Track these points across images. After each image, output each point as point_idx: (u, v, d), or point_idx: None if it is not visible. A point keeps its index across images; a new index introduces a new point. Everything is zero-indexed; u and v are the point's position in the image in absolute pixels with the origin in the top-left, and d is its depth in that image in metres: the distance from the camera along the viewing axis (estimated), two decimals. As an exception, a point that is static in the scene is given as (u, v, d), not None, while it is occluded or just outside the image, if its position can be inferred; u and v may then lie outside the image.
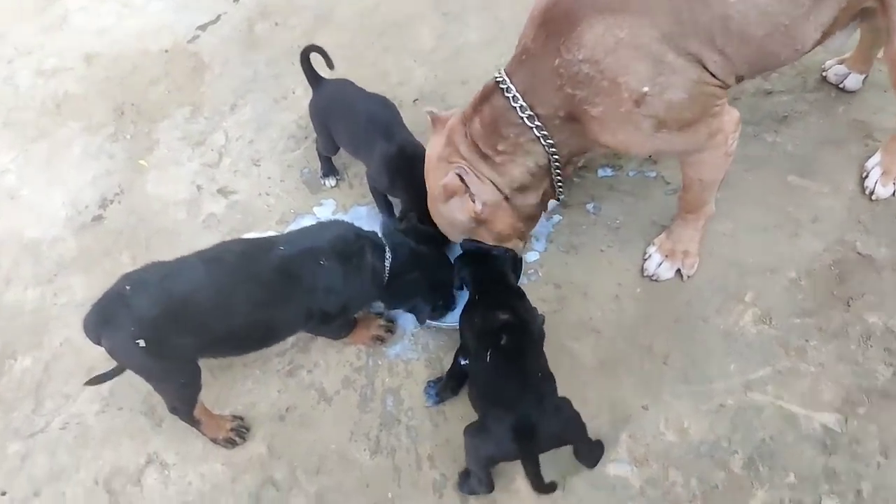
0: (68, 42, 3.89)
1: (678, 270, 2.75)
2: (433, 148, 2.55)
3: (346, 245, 2.47)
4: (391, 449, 2.54)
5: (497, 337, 2.34)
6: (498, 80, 2.34)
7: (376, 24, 3.71)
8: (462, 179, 2.40)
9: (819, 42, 2.35)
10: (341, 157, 3.13)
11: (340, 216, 3.09)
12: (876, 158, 2.85)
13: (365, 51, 3.62)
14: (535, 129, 2.33)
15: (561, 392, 2.36)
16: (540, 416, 2.19)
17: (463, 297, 2.61)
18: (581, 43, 2.15)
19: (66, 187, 3.36)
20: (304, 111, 3.10)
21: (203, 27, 3.86)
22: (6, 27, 3.97)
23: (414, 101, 3.38)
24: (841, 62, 3.13)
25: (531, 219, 2.64)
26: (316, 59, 3.00)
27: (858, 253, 2.72)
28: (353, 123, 2.88)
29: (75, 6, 4.03)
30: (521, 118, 2.31)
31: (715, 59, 2.19)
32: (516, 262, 2.63)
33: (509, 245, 2.62)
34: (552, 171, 2.46)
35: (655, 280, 2.76)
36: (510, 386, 2.25)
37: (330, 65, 2.98)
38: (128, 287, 2.28)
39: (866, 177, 2.85)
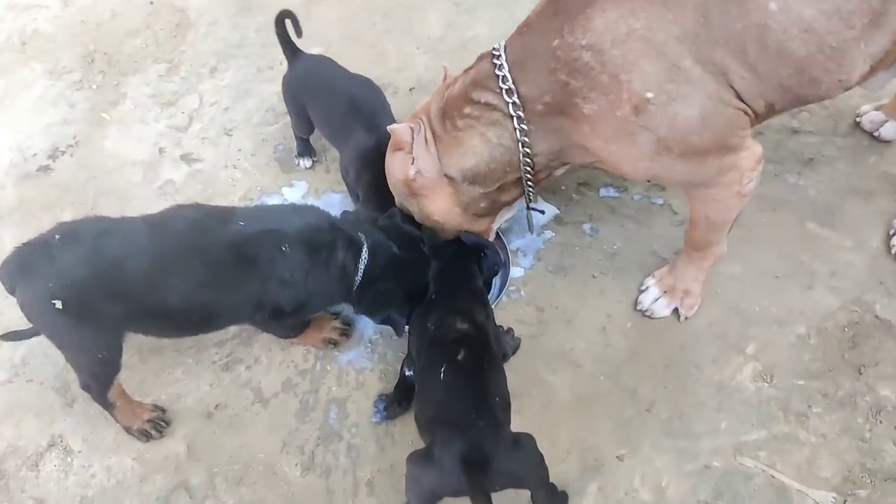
0: (48, -23, 3.59)
1: (675, 309, 2.46)
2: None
3: (317, 235, 2.14)
4: (326, 468, 2.23)
5: (454, 350, 2.03)
6: (494, 47, 2.08)
7: (382, 3, 3.42)
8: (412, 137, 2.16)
9: (865, 77, 2.06)
10: (321, 137, 2.83)
11: (311, 201, 2.79)
12: (906, 216, 2.58)
13: (366, 30, 3.33)
14: (510, 106, 2.03)
15: (529, 428, 2.06)
16: (495, 448, 1.88)
17: None
18: (588, 27, 1.87)
19: (16, 130, 3.07)
20: (288, 84, 2.81)
21: (196, -18, 3.57)
22: (-17, -45, 3.67)
23: (410, 89, 3.10)
24: (878, 108, 2.87)
25: (480, 217, 2.32)
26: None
27: (877, 316, 2.44)
28: (332, 106, 2.58)
29: (60, -58, 3.74)
30: (500, 88, 2.03)
31: (743, 74, 1.89)
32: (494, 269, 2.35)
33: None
34: (520, 165, 2.14)
35: (649, 316, 2.47)
36: (464, 408, 1.94)
37: (298, 32, 2.67)
38: (57, 237, 1.98)
39: (893, 234, 2.58)
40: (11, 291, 2.02)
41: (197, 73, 3.23)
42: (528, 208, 2.40)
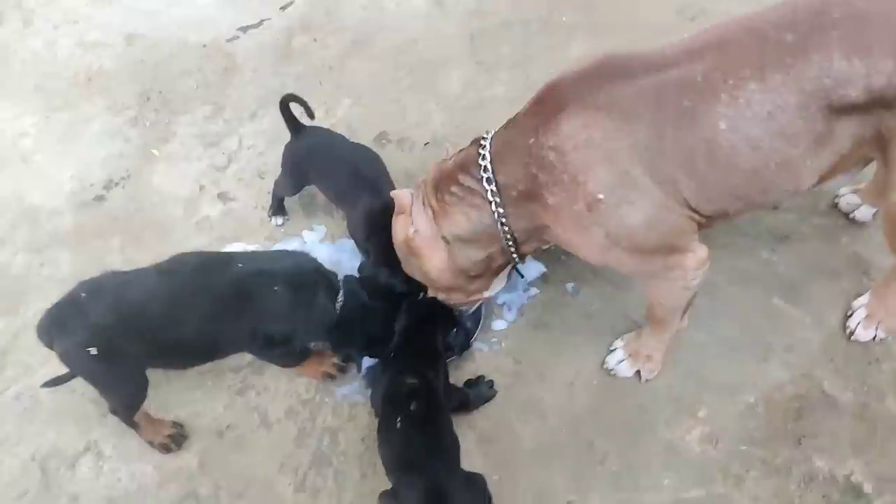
0: (114, 18, 3.97)
1: (638, 371, 2.73)
2: None
3: (301, 277, 2.51)
4: (315, 489, 2.57)
5: (407, 402, 2.36)
6: (483, 135, 2.36)
7: (409, 60, 3.73)
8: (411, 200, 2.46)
9: (816, 185, 2.29)
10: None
11: (327, 245, 3.12)
12: (864, 299, 2.78)
13: (391, 85, 3.64)
14: (489, 193, 2.31)
15: (493, 470, 2.41)
16: (451, 485, 2.21)
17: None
18: (556, 130, 2.13)
19: (78, 161, 3.45)
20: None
21: (244, 29, 3.91)
22: (59, -8, 4.09)
23: (425, 144, 3.40)
24: (855, 192, 3.06)
25: (474, 278, 2.58)
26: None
27: (823, 391, 2.66)
28: (338, 174, 2.88)
29: (129, -17, 4.13)
30: (481, 176, 2.30)
31: (690, 185, 2.13)
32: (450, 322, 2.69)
33: (445, 296, 2.64)
34: (503, 240, 2.41)
35: (613, 375, 2.74)
36: (421, 452, 2.27)
37: (310, 114, 2.94)
38: (83, 294, 2.35)
39: (850, 315, 2.78)
40: (49, 346, 2.38)
41: (239, 117, 3.58)
42: (514, 268, 2.69)
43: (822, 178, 2.27)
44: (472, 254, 2.49)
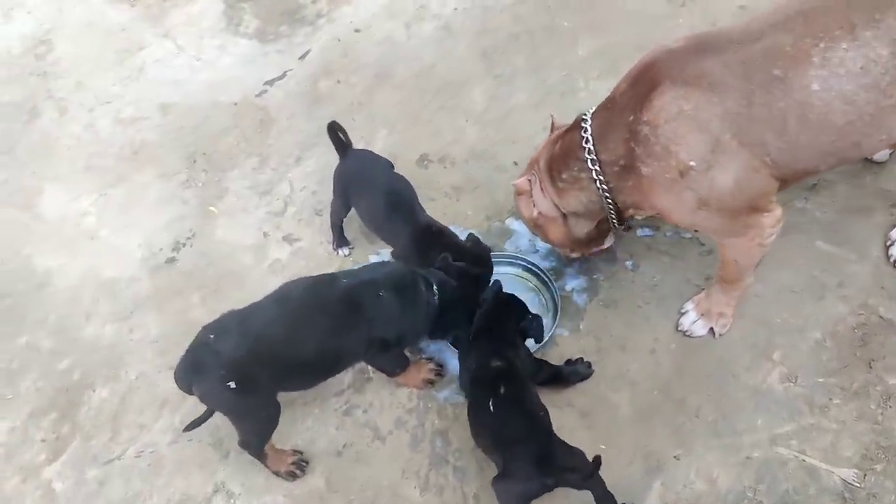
0: (145, 92, 4.18)
1: (711, 328, 2.94)
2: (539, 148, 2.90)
3: (401, 279, 2.75)
4: (439, 487, 2.75)
5: (495, 385, 2.56)
6: (583, 117, 2.61)
7: (432, 85, 3.97)
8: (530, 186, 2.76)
9: None
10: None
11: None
12: (900, 228, 3.03)
13: (421, 109, 3.87)
14: (593, 172, 2.58)
15: (597, 440, 2.63)
16: (553, 446, 2.42)
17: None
18: (650, 106, 2.37)
19: (142, 230, 3.63)
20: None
21: (270, 82, 4.13)
22: (88, 78, 4.27)
23: (465, 161, 3.63)
24: (869, 135, 3.30)
25: (588, 242, 2.91)
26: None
27: (881, 317, 2.90)
28: (374, 202, 3.14)
29: (151, 59, 4.33)
30: (586, 158, 2.57)
31: (780, 146, 2.32)
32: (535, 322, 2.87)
33: (566, 251, 2.99)
34: (606, 211, 2.70)
35: (689, 336, 2.95)
36: (518, 427, 2.47)
37: (348, 141, 3.23)
38: (211, 336, 2.54)
39: (890, 245, 3.02)
40: (188, 391, 2.58)
41: (285, 163, 3.78)
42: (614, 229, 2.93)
43: None
44: (585, 225, 2.83)
